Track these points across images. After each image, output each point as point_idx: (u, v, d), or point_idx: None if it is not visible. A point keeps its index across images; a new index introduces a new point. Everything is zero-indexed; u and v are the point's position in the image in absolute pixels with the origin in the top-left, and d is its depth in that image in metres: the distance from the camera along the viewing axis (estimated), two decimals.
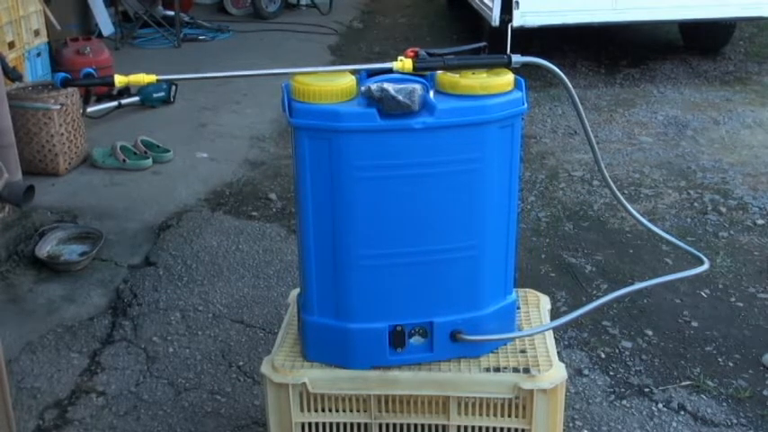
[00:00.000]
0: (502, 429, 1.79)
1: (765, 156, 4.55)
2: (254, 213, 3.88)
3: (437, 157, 1.67)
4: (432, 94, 1.68)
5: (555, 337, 1.96)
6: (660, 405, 2.52)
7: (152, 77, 1.70)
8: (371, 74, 1.74)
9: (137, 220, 3.77)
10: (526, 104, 1.73)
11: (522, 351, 1.84)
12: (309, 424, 1.81)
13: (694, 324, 2.95)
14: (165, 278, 3.29)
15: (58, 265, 3.35)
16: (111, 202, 3.95)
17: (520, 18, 5.62)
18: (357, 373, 1.78)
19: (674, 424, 2.44)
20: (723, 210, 3.85)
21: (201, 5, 9.07)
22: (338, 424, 1.81)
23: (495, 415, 1.78)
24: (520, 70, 1.73)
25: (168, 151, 4.52)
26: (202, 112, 5.34)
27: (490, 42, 2.35)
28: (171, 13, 7.51)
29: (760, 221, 3.74)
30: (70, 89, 4.20)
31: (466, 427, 1.79)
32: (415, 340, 1.79)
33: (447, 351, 1.80)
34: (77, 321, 3.00)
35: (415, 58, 1.71)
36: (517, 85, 1.74)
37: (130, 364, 2.76)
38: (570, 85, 1.79)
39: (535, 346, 1.86)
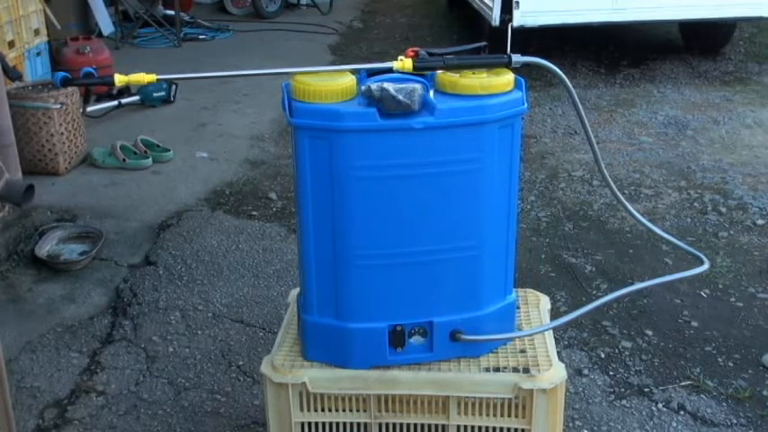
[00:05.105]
0: (502, 429, 1.78)
1: (765, 156, 4.55)
2: (254, 213, 3.88)
3: (437, 156, 1.67)
4: (432, 93, 1.68)
5: (555, 337, 1.96)
6: (660, 405, 2.52)
7: (152, 77, 1.69)
8: (371, 73, 1.74)
9: (137, 220, 3.77)
10: (526, 104, 1.73)
11: (522, 351, 1.84)
12: (309, 424, 1.81)
13: (694, 324, 2.95)
14: (164, 278, 3.29)
15: (58, 265, 3.34)
16: (110, 202, 3.95)
17: (520, 18, 5.63)
18: (357, 372, 1.78)
19: (674, 424, 2.44)
20: (723, 210, 3.85)
21: (202, 5, 9.08)
22: (338, 424, 1.81)
23: (494, 415, 1.78)
24: (520, 70, 1.72)
25: (168, 151, 4.52)
26: (202, 112, 5.34)
27: (490, 42, 2.35)
28: (171, 12, 7.51)
29: (760, 221, 3.74)
30: (70, 88, 4.20)
31: (466, 427, 1.79)
32: (415, 340, 1.79)
33: (447, 351, 1.80)
34: (77, 321, 3.00)
35: (415, 57, 1.70)
36: (517, 85, 1.73)
37: (130, 363, 2.76)
38: (570, 85, 1.79)
39: (535, 346, 1.86)
